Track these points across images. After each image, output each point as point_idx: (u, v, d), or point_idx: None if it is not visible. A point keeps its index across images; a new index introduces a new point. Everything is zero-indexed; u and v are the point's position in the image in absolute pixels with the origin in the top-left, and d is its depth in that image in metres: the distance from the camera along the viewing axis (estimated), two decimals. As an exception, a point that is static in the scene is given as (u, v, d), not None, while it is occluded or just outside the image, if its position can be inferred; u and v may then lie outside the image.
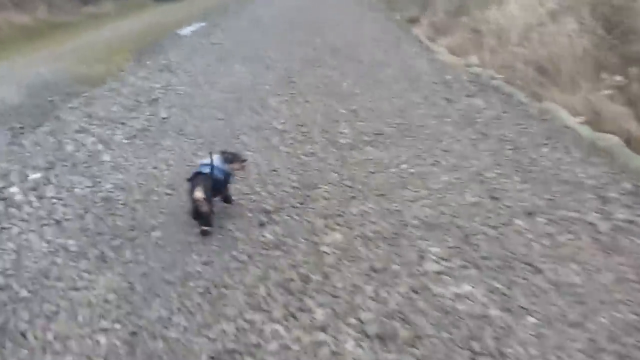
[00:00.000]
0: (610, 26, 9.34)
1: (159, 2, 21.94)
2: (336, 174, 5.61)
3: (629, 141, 6.40)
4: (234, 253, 4.22)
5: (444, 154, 6.05)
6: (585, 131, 6.82)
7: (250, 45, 12.33)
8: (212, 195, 4.32)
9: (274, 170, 5.68)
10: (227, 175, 4.53)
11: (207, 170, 4.31)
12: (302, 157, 5.97)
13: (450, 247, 4.24)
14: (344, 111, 7.59)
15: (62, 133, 6.79)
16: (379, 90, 8.66)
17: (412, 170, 5.69)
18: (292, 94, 8.41)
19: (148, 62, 10.67)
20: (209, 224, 4.36)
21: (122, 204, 5.00)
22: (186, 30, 14.98)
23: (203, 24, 16.22)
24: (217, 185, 4.38)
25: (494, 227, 4.53)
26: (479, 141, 6.37)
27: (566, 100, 8.07)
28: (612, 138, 6.51)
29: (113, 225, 4.65)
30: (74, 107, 7.90)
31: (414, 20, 16.20)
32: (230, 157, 4.55)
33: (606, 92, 8.13)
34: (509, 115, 7.27)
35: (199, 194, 4.15)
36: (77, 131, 6.85)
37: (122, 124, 7.05)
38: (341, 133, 6.74)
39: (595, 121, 7.30)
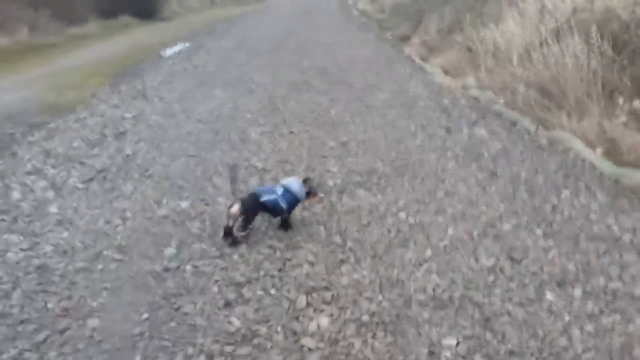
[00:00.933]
0: (619, 45, 8.35)
1: (146, 21, 20.84)
2: (323, 227, 4.57)
3: None
4: (189, 352, 3.12)
5: (449, 199, 5.04)
6: (606, 166, 5.86)
7: (234, 67, 11.30)
8: (252, 216, 4.33)
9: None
10: (294, 201, 4.43)
11: (268, 196, 4.33)
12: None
13: (468, 338, 3.18)
14: (332, 144, 6.56)
15: (12, 175, 5.72)
16: (372, 117, 7.65)
17: (412, 221, 4.67)
18: (275, 123, 7.38)
19: (123, 88, 9.62)
20: (227, 239, 4.33)
21: (59, 275, 3.91)
22: (169, 51, 13.95)
23: (188, 44, 15.21)
24: (275, 208, 4.36)
25: (520, 305, 3.51)
26: (488, 181, 5.35)
27: (576, 127, 7.15)
28: (637, 174, 5.50)
29: (42, 308, 3.56)
30: (33, 141, 6.83)
31: (405, 39, 15.29)
32: (310, 187, 4.52)
33: (621, 118, 7.13)
34: (517, 147, 6.33)
35: (233, 209, 4.18)
36: (29, 173, 5.78)
37: (81, 163, 5.99)
38: (329, 172, 5.71)
39: (613, 152, 6.34)
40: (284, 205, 4.33)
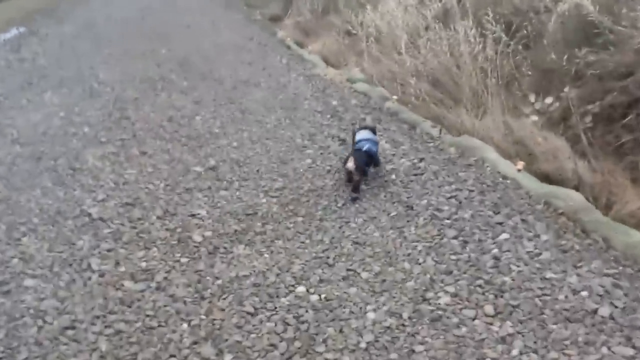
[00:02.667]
0: (512, 30, 7.34)
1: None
2: (183, 334, 3.01)
3: (585, 192, 4.55)
4: None
5: (360, 253, 3.74)
6: (529, 183, 4.83)
7: (74, 60, 9.35)
8: (365, 167, 4.73)
9: (68, 328, 3.04)
10: (376, 145, 4.90)
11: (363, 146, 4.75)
12: (124, 289, 3.33)
13: None
14: (199, 169, 5.06)
15: None
16: (248, 125, 6.22)
17: (315, 299, 3.24)
18: (122, 140, 5.73)
19: None
20: (357, 192, 4.63)
21: None
22: None
23: (21, 29, 12.79)
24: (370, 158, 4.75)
25: None
26: (404, 220, 4.10)
27: (480, 127, 6.09)
28: (570, 195, 4.48)
29: None
30: None
31: (276, 20, 13.80)
32: (372, 128, 5.25)
33: (532, 117, 6.11)
34: (425, 162, 5.18)
35: (350, 164, 4.56)
36: None
37: None
38: (195, 216, 4.21)
39: (526, 158, 5.37)
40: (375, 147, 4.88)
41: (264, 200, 4.53)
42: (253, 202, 4.49)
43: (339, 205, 4.47)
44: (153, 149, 5.56)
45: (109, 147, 5.61)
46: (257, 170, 5.13)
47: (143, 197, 4.57)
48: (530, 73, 6.72)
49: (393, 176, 4.91)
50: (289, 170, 5.12)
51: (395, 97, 7.17)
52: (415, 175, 4.89)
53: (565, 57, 6.11)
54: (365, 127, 5.20)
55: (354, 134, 5.15)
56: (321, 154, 5.47)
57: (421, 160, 5.18)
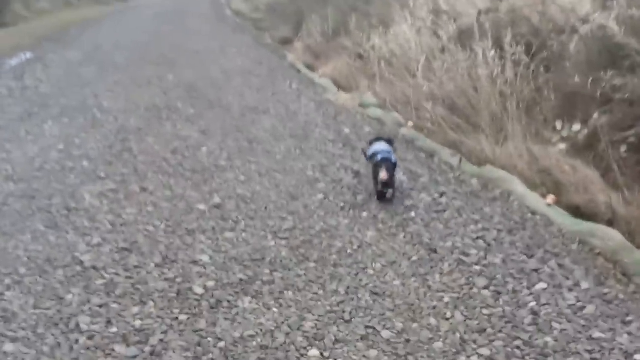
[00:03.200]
0: (531, 51, 6.96)
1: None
2: None
3: (620, 227, 4.14)
4: None
5: (378, 306, 3.32)
6: (562, 218, 4.37)
7: (78, 87, 9.01)
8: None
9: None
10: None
11: (388, 156, 4.73)
12: (114, 354, 2.97)
13: None
14: (202, 207, 4.66)
15: None
16: (256, 157, 5.87)
17: (331, 364, 2.80)
18: (123, 175, 5.36)
19: None
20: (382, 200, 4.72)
21: None
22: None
23: (28, 55, 12.51)
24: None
25: None
26: (427, 266, 3.70)
27: (501, 155, 5.68)
28: (607, 232, 4.07)
29: None
30: None
31: (286, 43, 13.52)
32: (389, 140, 5.10)
33: (559, 146, 5.68)
34: (447, 197, 4.83)
35: (383, 174, 4.55)
36: None
37: None
38: (197, 263, 3.81)
39: (555, 190, 4.95)
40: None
41: (273, 243, 4.11)
42: (260, 246, 4.07)
43: (355, 247, 4.05)
44: (154, 185, 5.17)
45: (108, 183, 5.22)
46: (265, 208, 4.72)
47: (141, 240, 4.15)
48: (552, 97, 6.32)
49: (412, 214, 4.48)
50: (300, 207, 4.71)
51: (410, 123, 6.77)
52: (437, 212, 4.48)
53: (590, 80, 5.71)
54: (380, 138, 5.13)
55: (370, 144, 5.05)
56: (333, 188, 5.06)
57: (442, 195, 4.77)
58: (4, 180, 5.29)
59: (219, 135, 6.57)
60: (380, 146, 4.86)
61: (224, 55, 12.03)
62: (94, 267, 3.77)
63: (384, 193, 4.74)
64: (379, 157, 4.69)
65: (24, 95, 8.61)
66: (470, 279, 3.55)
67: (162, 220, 4.49)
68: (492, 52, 6.88)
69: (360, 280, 3.61)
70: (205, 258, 3.90)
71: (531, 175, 5.42)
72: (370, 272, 3.70)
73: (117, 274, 3.68)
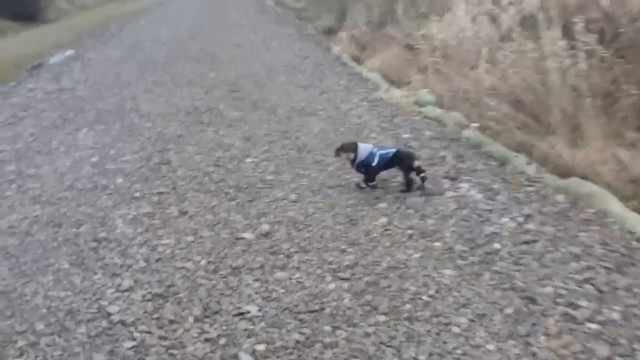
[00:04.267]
0: (605, 40, 6.03)
1: (26, 24, 17.15)
2: None
3: None
4: None
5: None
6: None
7: (116, 88, 8.38)
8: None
9: None
10: None
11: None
12: None
13: None
14: (248, 236, 3.97)
15: None
16: (306, 169, 5.20)
17: None
18: (160, 194, 4.66)
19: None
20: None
21: None
22: (52, 60, 10.74)
23: (68, 52, 11.97)
24: None
25: None
26: (526, 323, 2.97)
27: (583, 162, 4.84)
28: None
29: None
30: None
31: (330, 33, 12.69)
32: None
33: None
34: (533, 221, 4.02)
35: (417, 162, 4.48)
36: None
37: None
38: (243, 316, 3.12)
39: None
40: None
41: (332, 286, 3.37)
42: (318, 290, 3.33)
43: (431, 292, 3.27)
44: (195, 207, 4.47)
45: (143, 205, 4.54)
46: (321, 236, 3.97)
47: (179, 283, 3.45)
48: (632, 91, 5.41)
49: (496, 245, 3.68)
50: (361, 235, 3.95)
51: (474, 124, 5.92)
52: (526, 243, 3.67)
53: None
54: (352, 143, 4.76)
55: (348, 150, 4.66)
56: (397, 209, 4.30)
57: (527, 217, 3.95)
58: (30, 203, 4.67)
59: (265, 143, 5.84)
60: (366, 145, 4.65)
61: (266, 49, 11.28)
62: (123, 323, 3.07)
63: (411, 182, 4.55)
64: (388, 150, 4.59)
65: (59, 98, 8.01)
66: (587, 345, 2.72)
67: (202, 254, 3.78)
68: (561, 42, 5.98)
69: (444, 342, 2.84)
70: (253, 309, 3.16)
71: (621, 186, 4.60)
72: (455, 329, 2.92)
73: (148, 333, 2.98)
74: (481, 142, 5.60)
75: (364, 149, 4.59)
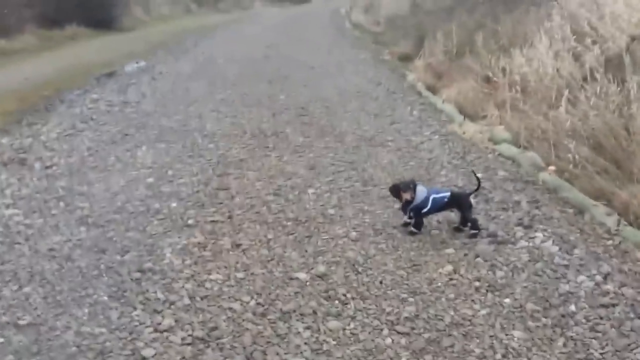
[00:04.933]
0: None
1: (101, 32, 17.51)
2: None
3: None
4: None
5: None
6: None
7: (182, 105, 8.38)
8: None
9: None
10: None
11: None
12: None
13: None
14: (303, 276, 3.82)
15: None
16: (370, 205, 5.01)
17: None
18: (214, 222, 4.54)
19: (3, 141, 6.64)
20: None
21: None
22: (128, 68, 10.96)
23: (141, 63, 12.17)
24: None
25: None
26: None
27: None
28: None
29: None
30: None
31: (406, 59, 12.43)
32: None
33: None
34: (612, 281, 3.66)
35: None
36: None
37: None
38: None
39: None
40: None
41: (389, 341, 3.12)
42: (373, 344, 3.09)
43: (498, 356, 2.95)
44: (250, 240, 4.30)
45: (195, 233, 4.40)
46: (381, 282, 3.73)
47: (223, 326, 3.27)
48: None
49: (572, 307, 3.34)
50: (423, 284, 3.69)
51: (552, 167, 5.55)
52: (605, 307, 3.32)
53: None
54: (407, 183, 4.41)
55: (407, 190, 4.32)
56: (465, 255, 4.01)
57: (606, 277, 3.59)
58: (76, 224, 4.58)
59: (329, 173, 5.65)
60: (423, 187, 4.35)
61: (340, 73, 11.14)
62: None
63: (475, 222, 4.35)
64: (445, 193, 4.38)
65: (123, 112, 8.07)
66: None
67: (252, 294, 3.60)
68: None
69: None
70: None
71: None
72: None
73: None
74: (558, 186, 5.24)
75: (421, 191, 4.33)
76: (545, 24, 7.71)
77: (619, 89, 5.72)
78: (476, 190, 4.52)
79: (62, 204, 5.01)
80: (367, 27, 19.74)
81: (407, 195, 4.30)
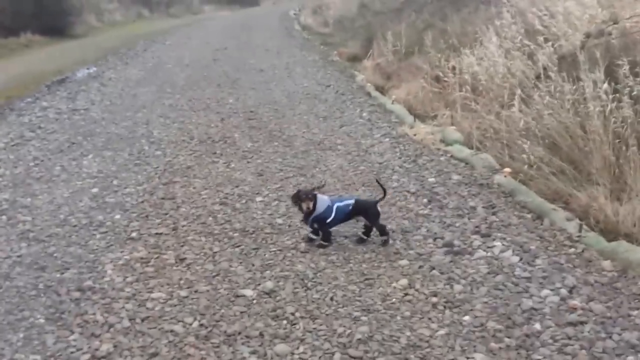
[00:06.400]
0: None
1: (55, 39, 16.98)
2: None
3: None
4: None
5: None
6: None
7: (130, 112, 7.93)
8: None
9: None
10: None
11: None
12: None
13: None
14: (249, 293, 3.58)
15: None
16: None
17: None
18: (159, 235, 4.26)
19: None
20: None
21: None
22: (58, 83, 10.35)
23: (92, 69, 11.58)
24: None
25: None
26: None
27: (628, 219, 4.23)
28: None
29: None
30: None
31: (355, 60, 12.17)
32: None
33: None
34: (579, 295, 3.40)
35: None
36: None
37: None
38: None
39: None
40: None
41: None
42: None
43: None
44: (194, 254, 3.95)
45: (138, 248, 4.03)
46: (332, 298, 3.40)
47: (164, 351, 2.92)
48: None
49: (537, 325, 3.08)
50: (376, 300, 3.39)
51: (507, 169, 5.32)
52: (573, 325, 3.06)
53: None
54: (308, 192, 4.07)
55: (307, 200, 3.97)
56: (419, 268, 3.74)
57: (571, 290, 3.33)
58: (17, 239, 4.20)
59: (278, 179, 5.32)
60: (323, 197, 4.04)
61: (289, 75, 10.79)
62: None
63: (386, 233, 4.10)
64: (349, 201, 4.08)
65: (71, 119, 7.59)
66: None
67: (195, 314, 3.24)
68: (605, 85, 5.39)
69: None
70: None
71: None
72: None
73: None
74: (514, 189, 5.02)
75: (322, 201, 4.02)
76: (495, 23, 7.49)
77: (574, 87, 5.52)
78: (382, 198, 4.16)
79: (4, 217, 4.66)
80: (316, 29, 19.43)
81: (305, 205, 3.96)
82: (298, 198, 4.01)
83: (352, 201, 4.07)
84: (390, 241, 4.10)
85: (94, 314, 3.28)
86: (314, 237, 4.11)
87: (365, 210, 4.09)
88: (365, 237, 4.12)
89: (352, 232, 4.25)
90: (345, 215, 4.06)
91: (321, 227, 4.05)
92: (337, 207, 4.00)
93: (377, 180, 4.43)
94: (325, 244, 4.07)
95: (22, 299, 3.44)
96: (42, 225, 4.42)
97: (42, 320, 3.22)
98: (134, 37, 18.06)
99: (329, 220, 4.00)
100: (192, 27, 22.58)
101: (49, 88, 9.80)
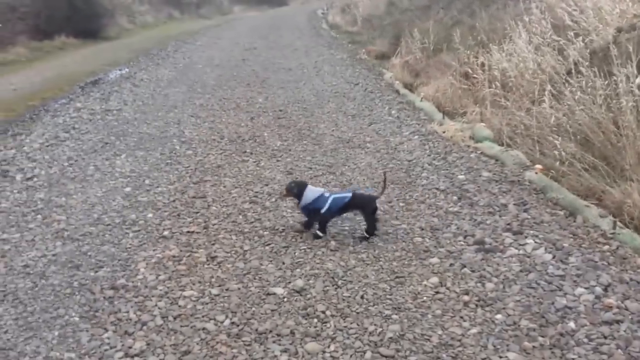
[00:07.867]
0: None
1: (88, 42, 17.22)
2: None
3: None
4: None
5: None
6: None
7: (162, 112, 7.97)
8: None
9: None
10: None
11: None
12: None
13: None
14: (280, 292, 3.56)
15: None
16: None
17: None
18: (190, 234, 4.25)
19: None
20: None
21: None
22: (91, 85, 10.46)
23: (124, 70, 11.71)
24: None
25: None
26: None
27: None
28: None
29: None
30: None
31: (383, 58, 12.08)
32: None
33: None
34: (614, 294, 3.31)
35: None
36: None
37: None
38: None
39: None
40: None
41: None
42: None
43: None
44: (225, 252, 3.93)
45: (171, 246, 4.03)
46: (362, 297, 3.36)
47: (196, 349, 2.91)
48: None
49: (572, 324, 2.99)
50: (407, 298, 3.34)
51: (538, 165, 5.21)
52: (608, 324, 2.97)
53: None
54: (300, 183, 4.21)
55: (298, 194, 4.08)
56: (451, 265, 3.67)
57: (606, 288, 3.23)
58: (52, 238, 4.22)
59: (307, 178, 5.30)
60: (315, 188, 4.11)
61: (317, 74, 10.76)
62: None
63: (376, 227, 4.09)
64: (346, 194, 4.07)
65: (104, 119, 7.65)
66: None
67: (226, 312, 3.23)
68: (638, 79, 5.25)
69: None
70: None
71: None
72: None
73: None
74: (546, 186, 4.91)
75: (312, 191, 4.06)
76: (523, 19, 7.35)
77: (606, 82, 5.39)
78: (381, 193, 4.16)
79: (39, 217, 4.66)
80: (344, 28, 19.37)
81: (289, 196, 4.08)
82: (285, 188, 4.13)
83: (349, 194, 4.07)
84: (420, 239, 4.03)
85: (127, 312, 3.28)
86: (320, 234, 4.12)
87: (362, 205, 4.07)
88: (367, 236, 4.10)
89: (382, 230, 4.18)
90: (341, 208, 4.06)
91: (315, 218, 4.08)
92: (333, 199, 4.01)
93: (383, 173, 4.36)
94: (321, 234, 4.08)
95: (57, 297, 3.47)
96: (76, 224, 4.45)
97: (76, 318, 3.24)
98: (165, 38, 18.19)
99: (323, 211, 4.01)
100: (221, 28, 22.68)
101: (82, 89, 9.90)
